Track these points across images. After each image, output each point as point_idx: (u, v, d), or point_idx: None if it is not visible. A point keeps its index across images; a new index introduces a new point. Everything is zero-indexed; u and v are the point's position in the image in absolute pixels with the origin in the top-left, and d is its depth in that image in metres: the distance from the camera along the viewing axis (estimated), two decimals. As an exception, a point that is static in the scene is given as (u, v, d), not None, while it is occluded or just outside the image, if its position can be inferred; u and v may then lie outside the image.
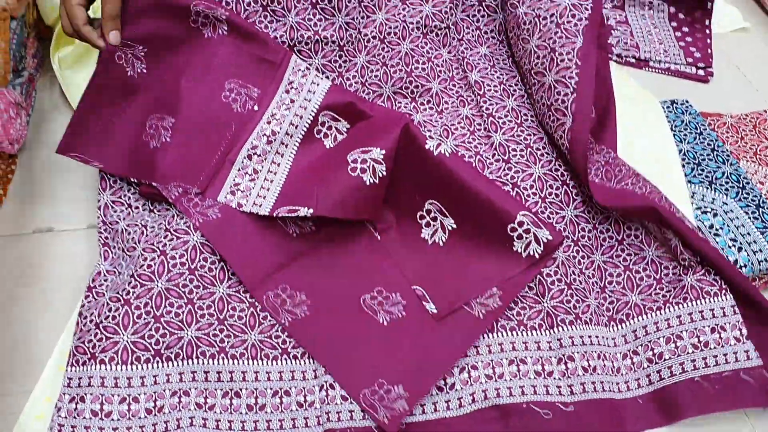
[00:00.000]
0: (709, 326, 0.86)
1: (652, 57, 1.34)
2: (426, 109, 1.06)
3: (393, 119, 0.93)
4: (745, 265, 0.97)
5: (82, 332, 0.78)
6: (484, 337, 0.85)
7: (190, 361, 0.78)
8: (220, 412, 0.77)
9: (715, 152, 1.11)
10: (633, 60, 1.34)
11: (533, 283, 0.89)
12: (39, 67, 1.13)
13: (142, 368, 0.76)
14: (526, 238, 0.87)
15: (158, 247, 0.82)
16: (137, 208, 0.92)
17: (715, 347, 0.85)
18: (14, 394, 0.78)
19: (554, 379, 0.83)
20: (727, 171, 1.08)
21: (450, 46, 1.13)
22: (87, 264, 0.90)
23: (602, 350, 0.85)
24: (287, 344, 0.82)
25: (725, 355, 0.84)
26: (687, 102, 1.21)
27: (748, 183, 1.07)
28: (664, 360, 0.85)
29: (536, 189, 0.96)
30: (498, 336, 0.85)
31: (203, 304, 0.81)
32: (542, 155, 1.00)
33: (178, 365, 0.77)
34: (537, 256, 0.87)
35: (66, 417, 0.72)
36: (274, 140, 0.93)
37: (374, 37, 1.06)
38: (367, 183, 0.86)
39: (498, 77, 1.11)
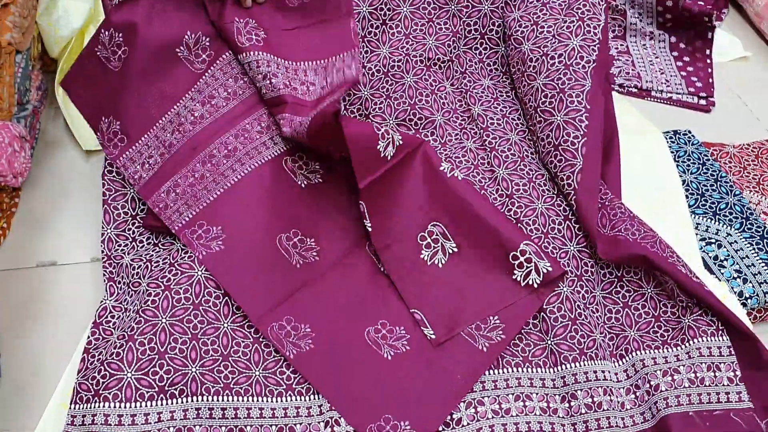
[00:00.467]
0: (705, 363, 0.87)
1: (654, 87, 1.35)
2: (429, 141, 1.06)
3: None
4: (751, 297, 0.97)
5: (87, 370, 0.77)
6: (489, 373, 0.84)
7: (194, 397, 0.77)
8: None
9: (718, 183, 1.11)
10: (635, 90, 1.35)
11: (537, 319, 0.89)
12: (43, 99, 1.13)
13: (146, 405, 0.75)
14: (527, 267, 0.88)
15: (163, 282, 0.82)
16: (141, 241, 0.92)
17: (709, 384, 0.85)
18: (17, 431, 0.77)
19: (559, 417, 0.83)
20: (731, 202, 1.08)
21: (453, 79, 1.14)
22: (91, 298, 0.90)
23: (608, 385, 0.85)
24: (292, 380, 0.82)
25: (718, 394, 0.85)
26: (689, 132, 1.21)
27: (752, 214, 1.06)
28: (661, 391, 0.85)
29: (539, 224, 0.96)
30: (504, 372, 0.85)
31: (207, 339, 0.81)
32: (544, 191, 1.00)
33: (182, 402, 0.77)
34: (535, 286, 0.88)
35: (69, 455, 0.72)
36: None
37: (378, 71, 1.06)
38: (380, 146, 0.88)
39: (501, 110, 1.12)
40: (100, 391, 0.74)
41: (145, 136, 0.93)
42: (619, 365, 0.88)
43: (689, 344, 0.88)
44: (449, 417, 0.81)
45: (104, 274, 0.90)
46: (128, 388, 0.75)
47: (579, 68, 1.02)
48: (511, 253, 0.88)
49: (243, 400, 0.79)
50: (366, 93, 1.06)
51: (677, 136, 1.20)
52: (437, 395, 0.82)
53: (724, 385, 0.85)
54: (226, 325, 0.82)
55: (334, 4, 0.98)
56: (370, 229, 0.91)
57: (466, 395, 0.82)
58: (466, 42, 1.15)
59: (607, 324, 0.92)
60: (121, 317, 0.84)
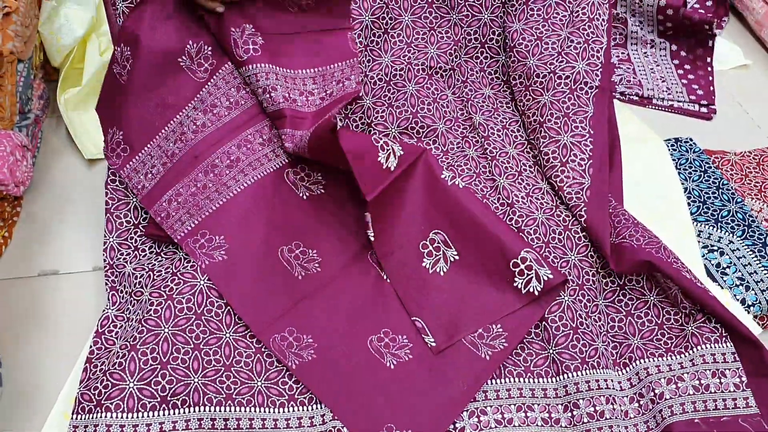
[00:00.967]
0: (710, 370, 0.86)
1: (655, 95, 1.35)
2: (431, 149, 1.06)
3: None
4: (753, 304, 0.96)
5: (89, 380, 0.77)
6: (492, 382, 0.84)
7: (196, 407, 0.77)
8: None
9: (720, 190, 1.11)
10: (636, 98, 1.35)
11: (539, 329, 0.89)
12: (45, 108, 1.13)
13: (148, 415, 0.75)
14: (528, 274, 0.88)
15: (165, 292, 0.82)
16: (144, 250, 0.92)
17: (715, 391, 0.85)
18: (18, 442, 0.77)
19: (561, 427, 0.83)
20: (733, 209, 1.08)
21: (454, 87, 1.14)
22: (93, 306, 0.90)
23: (610, 394, 0.85)
24: (294, 390, 0.81)
25: (724, 400, 0.84)
26: (691, 140, 1.21)
27: (753, 221, 1.06)
28: (665, 399, 0.84)
29: (540, 233, 0.96)
30: (506, 381, 0.85)
31: (210, 349, 0.80)
32: (542, 204, 1.01)
33: (184, 412, 0.77)
34: (536, 293, 0.87)
35: (71, 466, 0.72)
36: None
37: (380, 80, 1.06)
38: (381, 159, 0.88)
39: (501, 121, 1.12)
40: (102, 401, 0.74)
41: (148, 145, 0.93)
42: (623, 374, 0.88)
43: (693, 351, 0.88)
44: (452, 426, 0.81)
45: (106, 283, 0.89)
46: (130, 399, 0.75)
47: (582, 94, 1.05)
48: (512, 261, 0.88)
49: (245, 411, 0.78)
50: (368, 101, 1.06)
51: (679, 143, 1.21)
52: (440, 404, 0.81)
53: (730, 391, 0.85)
54: (228, 335, 0.82)
55: (333, 13, 0.98)
56: (372, 239, 0.91)
57: (468, 404, 0.82)
58: (467, 51, 1.15)
59: (610, 332, 0.91)
60: (123, 326, 0.84)
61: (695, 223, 1.07)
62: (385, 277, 0.91)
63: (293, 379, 0.82)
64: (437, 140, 1.07)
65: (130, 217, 0.94)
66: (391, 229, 0.93)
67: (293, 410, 0.80)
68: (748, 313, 0.95)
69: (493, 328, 0.87)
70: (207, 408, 0.77)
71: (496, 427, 0.81)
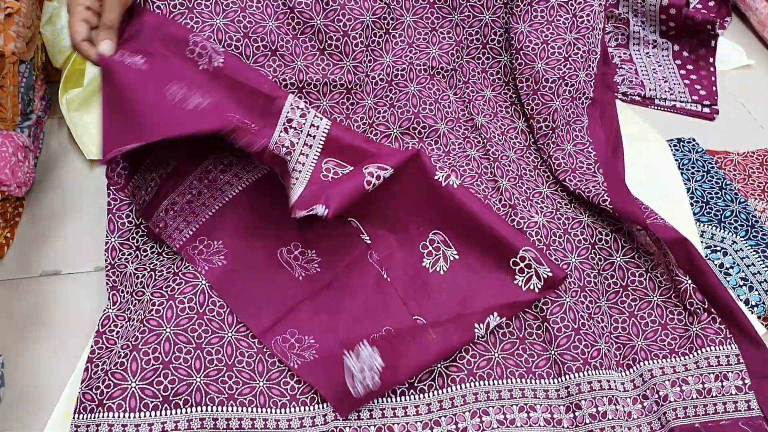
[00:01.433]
0: (713, 373, 0.86)
1: (657, 95, 1.35)
2: (433, 150, 1.06)
3: (405, 151, 0.93)
4: (757, 305, 0.96)
5: (91, 379, 0.77)
6: (494, 383, 0.84)
7: (198, 408, 0.77)
8: None
9: (723, 190, 1.11)
10: (639, 98, 1.35)
11: (540, 329, 0.89)
12: (47, 110, 1.13)
13: (150, 415, 0.75)
14: (528, 272, 0.88)
15: (167, 292, 0.82)
16: (145, 250, 0.91)
17: (716, 395, 0.85)
18: (20, 442, 0.77)
19: (564, 427, 0.82)
20: (736, 209, 1.08)
21: (456, 88, 1.14)
22: (94, 307, 0.89)
23: (613, 395, 0.84)
24: (296, 390, 0.81)
25: (725, 404, 0.84)
26: (694, 140, 1.21)
27: (757, 221, 1.06)
28: (669, 402, 0.84)
29: (541, 236, 0.96)
30: (508, 382, 0.84)
31: (212, 349, 0.80)
32: (542, 207, 1.01)
33: (186, 412, 0.76)
34: (537, 290, 0.88)
35: (73, 466, 0.71)
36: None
37: (382, 80, 1.06)
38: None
39: (500, 126, 1.13)
40: (104, 401, 0.74)
41: (148, 161, 0.93)
42: (627, 375, 0.88)
43: (697, 354, 0.87)
44: (454, 426, 0.80)
45: (107, 283, 0.89)
46: (132, 398, 0.75)
47: (579, 104, 1.09)
48: (512, 259, 0.89)
49: (247, 411, 0.78)
50: (369, 101, 1.06)
51: (681, 144, 1.20)
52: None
53: (731, 394, 0.85)
54: (230, 334, 0.82)
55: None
56: (368, 242, 0.91)
57: (472, 405, 0.82)
58: (468, 51, 1.15)
59: (613, 333, 0.91)
60: (124, 326, 0.84)
61: (698, 224, 1.06)
62: (385, 275, 0.91)
63: (295, 379, 0.82)
64: (439, 140, 1.06)
65: (132, 218, 0.94)
66: (390, 234, 0.93)
67: (295, 410, 0.80)
68: (752, 313, 0.95)
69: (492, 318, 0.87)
70: (209, 408, 0.77)
71: (498, 427, 0.81)
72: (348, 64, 1.03)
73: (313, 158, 0.93)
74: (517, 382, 0.85)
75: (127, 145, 0.79)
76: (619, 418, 0.82)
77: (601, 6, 1.13)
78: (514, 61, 1.14)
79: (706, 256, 1.02)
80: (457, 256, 0.92)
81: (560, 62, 1.09)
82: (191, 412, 0.77)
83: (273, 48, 0.99)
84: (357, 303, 0.90)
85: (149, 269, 0.88)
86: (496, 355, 0.87)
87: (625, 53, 1.44)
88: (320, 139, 0.93)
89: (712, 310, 0.90)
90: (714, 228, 1.06)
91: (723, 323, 0.89)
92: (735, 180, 1.15)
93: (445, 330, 0.84)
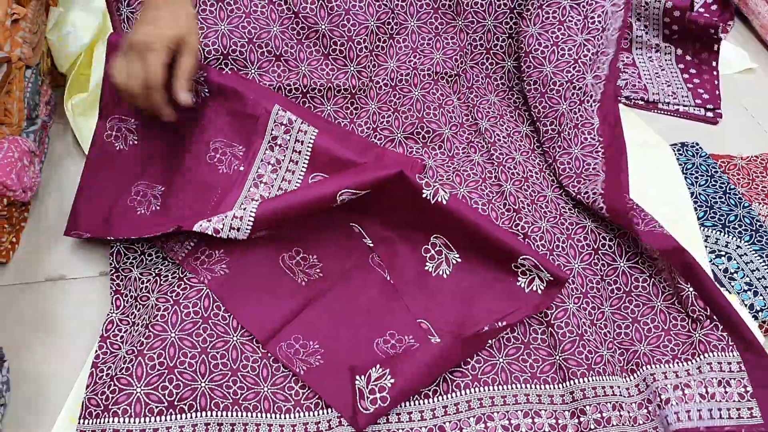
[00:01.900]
0: (716, 378, 0.86)
1: (660, 99, 1.35)
2: (437, 155, 1.06)
3: (387, 166, 0.91)
4: (762, 309, 0.96)
5: (96, 384, 0.77)
6: (498, 388, 0.84)
7: (203, 413, 0.77)
8: None
9: (727, 195, 1.11)
10: (642, 102, 1.35)
11: (545, 335, 0.89)
12: (52, 114, 1.14)
13: (155, 420, 0.75)
14: (530, 274, 0.89)
15: (171, 297, 0.82)
16: (150, 255, 0.92)
17: (720, 400, 0.85)
18: (25, 447, 0.77)
19: None
20: (740, 214, 1.08)
21: (460, 93, 1.14)
22: (99, 312, 0.90)
23: (617, 400, 0.84)
24: (300, 396, 0.81)
25: (729, 410, 0.85)
26: (697, 144, 1.21)
27: (761, 226, 1.06)
28: (671, 405, 0.84)
29: (545, 241, 0.96)
30: (512, 387, 0.84)
31: (217, 353, 0.80)
32: (546, 212, 1.01)
33: (191, 417, 0.76)
34: (540, 292, 0.88)
35: (78, 471, 0.72)
36: None
37: (386, 85, 1.07)
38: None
39: (506, 129, 1.13)
40: (110, 406, 0.74)
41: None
42: (631, 380, 0.88)
43: (700, 359, 0.87)
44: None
45: (111, 287, 0.90)
46: (137, 403, 0.75)
47: (588, 106, 1.08)
48: (512, 264, 0.89)
49: (252, 416, 0.78)
50: (374, 106, 1.06)
51: (685, 148, 1.20)
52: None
53: (734, 401, 0.85)
54: (235, 338, 0.82)
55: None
56: (371, 246, 0.91)
57: (476, 411, 0.82)
58: (472, 57, 1.16)
59: (616, 339, 0.91)
60: (129, 331, 0.84)
61: (702, 228, 1.06)
62: (388, 278, 0.91)
63: (299, 384, 0.82)
64: (443, 145, 1.07)
65: (137, 223, 0.95)
66: (391, 240, 0.93)
67: (299, 416, 0.80)
68: (756, 319, 0.95)
69: (499, 326, 0.87)
70: (213, 413, 0.77)
71: None
72: (352, 69, 1.03)
73: (300, 174, 0.94)
74: (521, 387, 0.85)
75: (81, 234, 0.92)
76: (624, 424, 0.82)
77: (615, 5, 1.12)
78: (522, 64, 1.14)
79: (711, 261, 1.02)
80: (459, 260, 0.92)
81: (569, 65, 1.09)
82: (196, 417, 0.77)
83: (277, 53, 0.99)
84: (361, 307, 0.90)
85: (154, 274, 0.89)
86: (501, 360, 0.87)
87: (627, 57, 1.44)
88: (306, 155, 0.94)
89: (714, 317, 0.90)
90: (718, 233, 1.06)
91: (724, 331, 0.89)
92: (739, 184, 1.15)
93: (455, 346, 0.84)
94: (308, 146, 0.94)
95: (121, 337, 0.83)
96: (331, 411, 0.80)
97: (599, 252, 0.97)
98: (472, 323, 0.88)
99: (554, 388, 0.85)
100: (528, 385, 0.85)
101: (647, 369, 0.88)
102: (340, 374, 0.83)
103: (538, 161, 1.10)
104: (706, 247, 1.04)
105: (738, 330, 0.88)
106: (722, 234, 1.06)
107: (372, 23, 1.03)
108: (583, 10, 1.11)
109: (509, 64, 1.18)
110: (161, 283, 0.86)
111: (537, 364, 0.87)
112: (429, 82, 1.10)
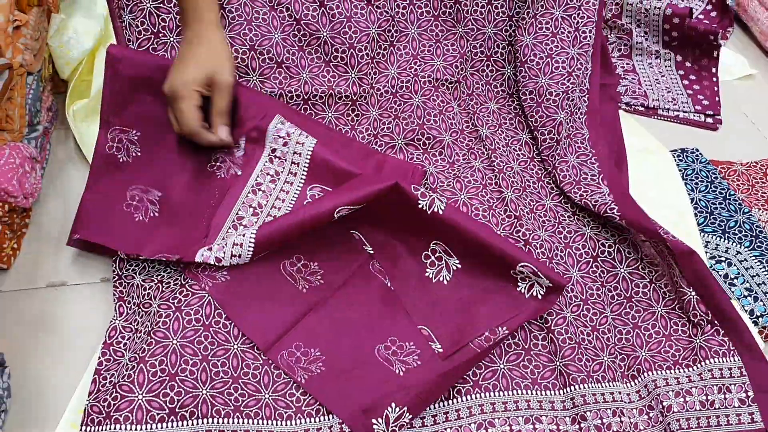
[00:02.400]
0: (716, 385, 0.87)
1: (660, 105, 1.35)
2: (438, 161, 1.07)
3: (382, 178, 0.92)
4: (762, 315, 0.96)
5: (99, 392, 0.77)
6: (500, 394, 0.84)
7: (204, 420, 0.77)
8: None
9: (727, 201, 1.12)
10: (642, 108, 1.35)
11: (546, 341, 0.89)
12: (53, 120, 1.14)
13: (157, 427, 0.75)
14: (529, 281, 0.89)
15: (173, 304, 0.82)
16: (153, 262, 0.92)
17: (720, 407, 0.85)
18: (26, 454, 0.77)
19: None
20: (740, 220, 1.08)
21: (460, 100, 1.14)
22: (101, 318, 0.90)
23: (618, 406, 0.84)
24: (301, 402, 0.81)
25: (728, 416, 0.85)
26: (697, 150, 1.21)
27: (761, 232, 1.06)
28: (673, 413, 0.84)
29: (545, 249, 0.97)
30: (513, 393, 0.85)
31: (218, 361, 0.81)
32: (544, 221, 1.01)
33: (192, 424, 0.77)
34: (539, 297, 0.88)
35: (79, 478, 0.72)
36: (261, 212, 0.94)
37: (386, 91, 1.07)
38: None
39: (504, 138, 1.13)
40: (112, 413, 0.74)
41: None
42: (632, 386, 0.88)
43: (701, 365, 0.87)
44: None
45: (114, 294, 0.90)
46: (139, 411, 0.75)
47: (577, 118, 1.09)
48: (511, 270, 0.89)
49: (253, 423, 0.78)
50: (375, 113, 1.06)
51: (685, 154, 1.21)
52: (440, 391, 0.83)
53: (734, 406, 0.85)
54: (236, 346, 0.82)
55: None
56: (371, 252, 0.91)
57: (476, 417, 0.82)
58: (473, 64, 1.16)
59: (617, 345, 0.91)
60: (131, 338, 0.84)
61: (702, 234, 1.07)
62: (389, 284, 0.91)
63: (300, 391, 0.82)
64: (443, 151, 1.07)
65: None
66: (391, 247, 0.93)
67: (300, 422, 0.80)
68: (756, 324, 0.95)
69: (499, 331, 0.87)
70: (215, 420, 0.77)
71: None
72: (353, 75, 1.03)
73: (298, 185, 0.94)
74: (522, 393, 0.85)
75: (85, 239, 0.92)
76: (624, 430, 0.82)
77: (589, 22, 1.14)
78: (518, 74, 1.14)
79: (711, 267, 1.02)
80: (459, 265, 0.92)
81: (564, 77, 1.10)
82: (197, 424, 0.77)
83: (279, 60, 0.99)
84: (362, 314, 0.90)
85: (156, 281, 0.89)
86: (502, 366, 0.87)
87: (628, 63, 1.45)
88: (304, 166, 0.95)
89: (716, 322, 0.90)
90: (718, 238, 1.06)
91: (726, 335, 0.89)
92: (739, 190, 1.15)
93: (463, 365, 0.84)
94: (306, 157, 0.95)
95: (124, 344, 0.83)
96: (333, 417, 0.80)
97: (598, 259, 0.97)
98: (472, 329, 0.88)
99: (555, 394, 0.86)
100: (529, 391, 0.85)
101: (648, 375, 0.88)
102: (342, 381, 0.83)
103: (537, 170, 1.10)
104: (706, 252, 1.04)
105: (741, 335, 0.89)
106: (722, 240, 1.06)
107: (373, 31, 1.04)
108: (573, 22, 1.12)
109: (509, 71, 1.18)
110: (163, 289, 0.86)
111: (538, 370, 0.87)
112: (430, 88, 1.10)
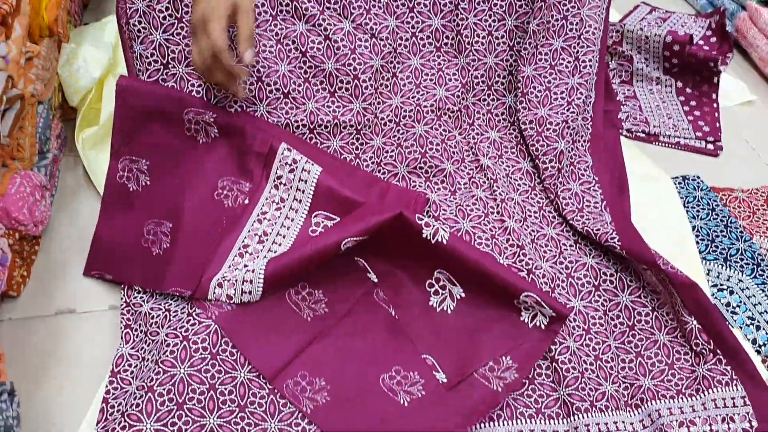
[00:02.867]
0: (720, 415, 0.87)
1: (661, 131, 1.37)
2: (440, 189, 1.08)
3: (386, 208, 0.93)
4: (765, 344, 0.97)
5: (107, 420, 0.78)
6: (503, 423, 0.85)
7: None
8: None
9: (728, 228, 1.12)
10: (643, 134, 1.37)
11: (549, 370, 0.90)
12: (62, 147, 1.15)
13: None
14: (532, 310, 0.89)
15: (181, 333, 0.83)
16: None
17: None
18: (35, 482, 0.78)
19: None
20: (742, 247, 1.09)
21: (461, 129, 1.16)
22: (109, 346, 0.91)
23: None
24: (307, 431, 0.82)
25: None
26: (698, 178, 1.22)
27: (763, 260, 1.07)
28: None
29: (547, 279, 0.97)
30: (517, 423, 0.85)
31: (225, 389, 0.81)
32: (546, 252, 1.02)
33: None
34: (543, 327, 0.89)
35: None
36: (266, 240, 0.95)
37: (390, 120, 1.09)
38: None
39: (505, 168, 1.14)
40: (120, 442, 0.75)
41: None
42: (635, 415, 0.88)
43: (704, 395, 0.88)
44: None
45: (121, 321, 0.91)
46: None
47: (579, 146, 1.11)
48: (515, 300, 0.90)
49: None
50: (378, 142, 1.08)
51: (686, 181, 1.22)
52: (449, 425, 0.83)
53: None
54: (242, 374, 0.83)
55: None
56: (375, 280, 0.92)
57: (475, 423, 0.83)
58: (474, 93, 1.18)
59: (621, 374, 0.92)
60: (138, 366, 0.85)
61: (704, 262, 1.07)
62: (393, 313, 0.92)
63: (306, 420, 0.83)
64: (445, 180, 1.08)
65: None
66: (394, 276, 0.94)
67: None
68: (759, 354, 0.96)
69: (503, 360, 0.88)
70: None
71: None
72: (358, 106, 1.05)
73: (303, 212, 0.96)
74: (526, 422, 0.86)
75: (103, 275, 0.96)
76: None
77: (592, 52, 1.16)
78: (518, 104, 1.16)
79: (713, 295, 1.03)
80: (463, 294, 0.93)
81: (563, 107, 1.11)
82: None
83: (285, 91, 1.01)
84: (366, 343, 0.91)
85: (164, 308, 0.90)
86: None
87: (629, 90, 1.46)
88: (309, 193, 0.97)
89: (718, 351, 0.91)
90: (720, 266, 1.07)
91: (728, 365, 0.90)
92: (740, 217, 1.16)
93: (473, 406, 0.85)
94: (311, 185, 0.96)
95: (131, 372, 0.84)
96: None
97: (600, 288, 0.98)
98: (476, 358, 0.88)
99: (559, 423, 0.86)
100: (533, 420, 0.86)
101: (652, 404, 0.88)
102: (347, 410, 0.83)
103: (538, 199, 1.11)
104: (708, 281, 1.05)
105: (743, 365, 0.89)
106: (724, 268, 1.07)
107: (377, 62, 1.06)
108: (573, 52, 1.14)
109: (510, 99, 1.20)
110: (171, 318, 0.87)
111: (542, 399, 0.88)
112: (432, 117, 1.12)
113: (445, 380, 0.87)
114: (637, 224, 1.08)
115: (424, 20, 1.12)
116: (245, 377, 0.83)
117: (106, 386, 0.83)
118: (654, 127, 1.37)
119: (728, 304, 1.02)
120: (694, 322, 0.92)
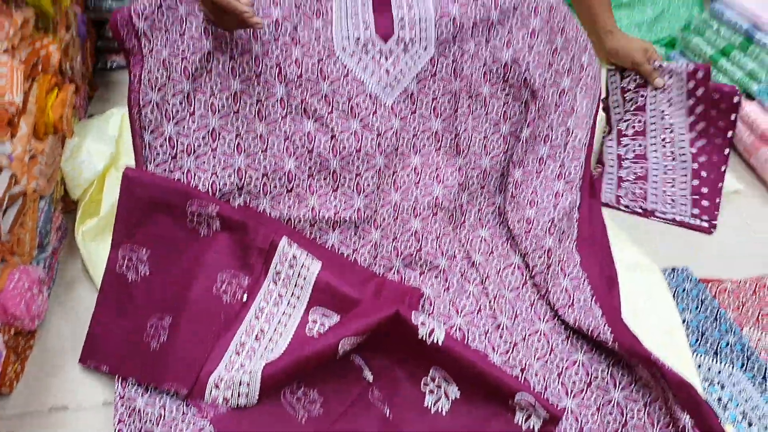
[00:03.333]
0: None
1: (658, 208, 1.39)
2: (434, 284, 1.10)
3: (383, 306, 0.95)
4: (756, 440, 0.97)
5: None
6: None
7: None
8: None
9: (718, 321, 1.13)
10: (640, 210, 1.39)
11: None
12: (62, 240, 1.17)
13: None
14: (526, 411, 0.90)
15: None
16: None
17: None
18: None
19: None
20: (732, 341, 1.10)
21: (454, 226, 1.19)
22: (102, 443, 0.90)
23: None
24: None
25: None
26: (687, 269, 1.24)
27: (752, 353, 1.08)
28: None
29: (539, 378, 0.98)
30: None
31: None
32: (537, 348, 1.03)
33: None
34: (536, 430, 0.89)
35: None
36: (263, 337, 0.97)
37: (389, 215, 1.12)
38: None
39: (496, 265, 1.16)
40: None
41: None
42: None
43: None
44: None
45: (115, 415, 0.90)
46: None
47: (566, 245, 1.13)
48: (509, 400, 0.91)
49: None
50: (376, 236, 1.10)
51: (675, 273, 1.23)
52: None
53: None
54: None
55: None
56: (370, 380, 0.93)
57: None
58: (469, 192, 1.21)
59: None
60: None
61: (695, 355, 1.08)
62: (388, 414, 0.92)
63: None
64: (439, 275, 1.10)
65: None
66: (392, 366, 0.95)
67: None
68: (751, 452, 0.96)
69: None
70: None
71: None
72: (359, 202, 1.08)
73: (301, 308, 0.97)
74: None
75: (100, 366, 0.96)
76: None
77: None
78: (507, 205, 1.20)
79: (704, 389, 1.03)
80: (458, 395, 0.93)
81: (548, 210, 1.15)
82: None
83: (290, 187, 1.05)
84: None
85: (159, 405, 0.90)
86: None
87: (640, 146, 1.44)
88: (307, 290, 0.99)
89: None
90: (711, 360, 1.07)
91: None
92: (729, 308, 1.18)
93: None
94: (310, 282, 0.98)
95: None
96: None
97: (592, 385, 0.99)
98: None
99: None
100: None
101: None
102: None
103: (529, 294, 1.13)
104: (698, 374, 1.05)
105: None
106: (714, 361, 1.07)
107: (380, 161, 1.10)
108: (558, 158, 1.20)
109: (499, 200, 1.23)
110: (165, 417, 0.87)
111: None
112: (428, 213, 1.15)
113: None
114: (626, 313, 1.09)
115: (425, 122, 1.17)
116: None
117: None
118: (651, 203, 1.39)
119: (719, 399, 1.02)
120: (688, 419, 0.92)
